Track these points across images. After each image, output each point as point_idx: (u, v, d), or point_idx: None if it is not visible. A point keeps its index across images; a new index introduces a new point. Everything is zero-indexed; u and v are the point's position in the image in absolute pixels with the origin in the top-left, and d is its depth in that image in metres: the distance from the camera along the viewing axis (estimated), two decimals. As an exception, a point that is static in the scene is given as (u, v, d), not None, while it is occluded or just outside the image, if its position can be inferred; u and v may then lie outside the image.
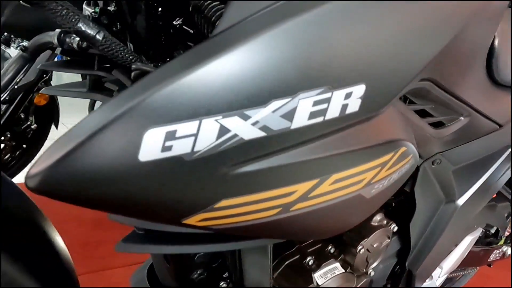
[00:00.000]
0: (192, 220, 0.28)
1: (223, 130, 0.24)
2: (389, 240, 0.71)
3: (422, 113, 0.61)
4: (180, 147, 0.23)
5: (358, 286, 0.71)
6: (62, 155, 0.22)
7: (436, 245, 0.80)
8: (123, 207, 0.25)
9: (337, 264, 0.68)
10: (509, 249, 1.25)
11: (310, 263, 0.65)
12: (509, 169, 0.87)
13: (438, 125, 0.66)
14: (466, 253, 0.95)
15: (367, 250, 0.67)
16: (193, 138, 0.23)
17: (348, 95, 0.28)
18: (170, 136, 0.23)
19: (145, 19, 0.42)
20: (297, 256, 0.67)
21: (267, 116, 0.25)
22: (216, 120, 0.24)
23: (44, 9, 0.35)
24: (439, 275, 0.89)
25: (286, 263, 0.66)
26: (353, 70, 0.28)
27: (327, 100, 0.27)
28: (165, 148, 0.23)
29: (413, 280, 0.82)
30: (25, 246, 0.38)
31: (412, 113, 0.55)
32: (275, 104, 0.25)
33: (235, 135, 0.25)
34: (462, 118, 0.68)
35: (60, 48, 0.48)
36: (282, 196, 0.30)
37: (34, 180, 0.22)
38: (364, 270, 0.70)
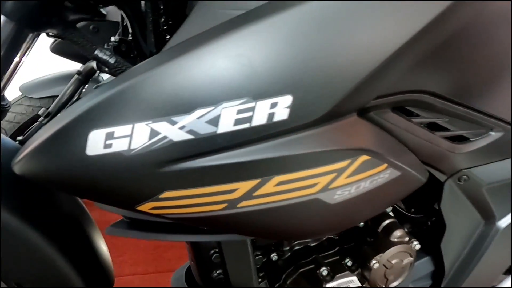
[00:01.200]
0: (145, 207, 0.34)
1: (153, 133, 0.30)
2: (411, 258, 0.69)
3: (439, 127, 0.59)
4: (119, 145, 0.30)
5: (378, 303, 0.70)
6: (37, 145, 0.30)
7: (475, 269, 0.74)
8: (86, 192, 0.33)
9: (354, 278, 0.69)
10: None
11: (324, 273, 0.67)
12: None
13: (463, 139, 0.63)
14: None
15: (384, 265, 0.67)
16: (128, 138, 0.30)
17: (273, 105, 0.32)
18: (110, 136, 0.30)
19: (155, 46, 0.51)
20: (312, 265, 0.69)
21: (192, 121, 0.31)
22: (146, 124, 0.30)
23: (68, 40, 0.45)
24: (488, 305, 0.81)
25: (300, 270, 0.69)
26: (277, 82, 0.32)
27: (252, 109, 0.32)
28: (106, 146, 0.30)
29: (450, 306, 0.77)
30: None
31: (414, 127, 0.55)
32: (199, 112, 0.31)
33: (165, 137, 0.31)
34: (492, 132, 0.65)
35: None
36: (225, 192, 0.35)
37: (18, 166, 0.31)
38: (383, 287, 0.69)
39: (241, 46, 0.31)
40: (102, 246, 0.55)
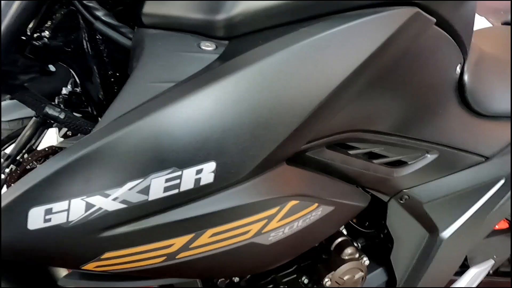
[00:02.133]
0: (89, 266, 0.38)
1: (88, 206, 0.34)
2: (362, 273, 0.74)
3: (377, 154, 0.64)
4: (58, 219, 0.34)
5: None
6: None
7: (424, 278, 0.80)
8: (33, 260, 0.36)
9: (310, 295, 0.73)
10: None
11: (283, 292, 0.71)
12: (508, 201, 0.85)
13: (401, 163, 0.69)
14: (475, 285, 0.92)
15: (336, 282, 0.71)
16: (66, 212, 0.34)
17: (199, 171, 0.36)
18: (48, 212, 0.33)
19: (104, 96, 0.54)
20: (271, 285, 0.73)
21: (124, 193, 0.35)
22: (81, 199, 0.34)
23: (17, 98, 0.48)
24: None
25: (259, 289, 0.73)
26: (201, 152, 0.36)
27: (179, 177, 0.36)
28: (46, 220, 0.33)
29: (404, 313, 0.83)
30: None
31: (351, 159, 0.60)
32: (130, 184, 0.35)
33: (100, 208, 0.34)
34: (428, 155, 0.70)
35: None
36: (162, 248, 0.39)
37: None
38: (339, 302, 0.74)
39: (165, 123, 0.35)
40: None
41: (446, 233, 0.78)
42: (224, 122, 0.36)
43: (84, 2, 0.47)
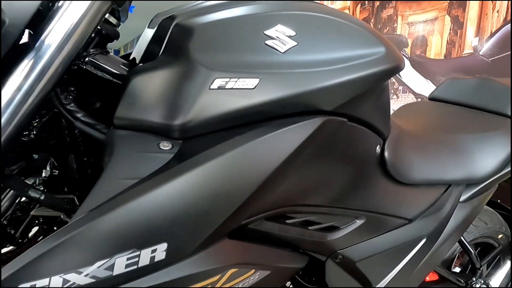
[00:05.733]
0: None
1: (65, 281, 0.44)
2: (306, 326, 0.83)
3: (312, 222, 0.76)
4: (40, 293, 0.43)
5: None
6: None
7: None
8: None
9: None
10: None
11: None
12: (433, 256, 0.98)
13: (334, 228, 0.81)
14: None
15: (283, 335, 0.81)
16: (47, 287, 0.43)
17: (154, 251, 0.47)
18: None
19: (80, 178, 0.65)
20: None
21: (94, 270, 0.45)
22: (59, 276, 0.44)
23: (5, 185, 0.58)
24: None
25: None
26: (155, 236, 0.47)
27: (137, 256, 0.46)
28: (29, 295, 0.43)
29: None
30: None
31: (288, 228, 0.71)
32: (99, 263, 0.45)
33: (74, 283, 0.44)
34: (356, 220, 0.83)
35: None
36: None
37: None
38: None
39: (127, 214, 0.46)
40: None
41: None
42: (174, 212, 0.48)
43: (66, 106, 0.59)
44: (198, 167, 0.50)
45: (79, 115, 0.60)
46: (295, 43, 0.60)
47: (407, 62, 2.92)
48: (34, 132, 0.59)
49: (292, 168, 0.59)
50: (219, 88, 0.55)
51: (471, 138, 1.05)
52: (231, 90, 0.56)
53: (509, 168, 1.04)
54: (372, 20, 3.22)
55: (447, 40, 2.63)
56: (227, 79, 0.56)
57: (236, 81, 0.56)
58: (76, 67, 0.59)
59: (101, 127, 0.61)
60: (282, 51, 0.59)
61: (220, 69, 0.56)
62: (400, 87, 2.85)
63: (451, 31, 2.62)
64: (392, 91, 2.94)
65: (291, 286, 0.88)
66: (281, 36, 0.60)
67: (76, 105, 0.60)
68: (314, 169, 0.66)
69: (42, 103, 0.51)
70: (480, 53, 2.40)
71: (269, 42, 0.60)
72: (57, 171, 0.66)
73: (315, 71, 0.59)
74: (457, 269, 1.28)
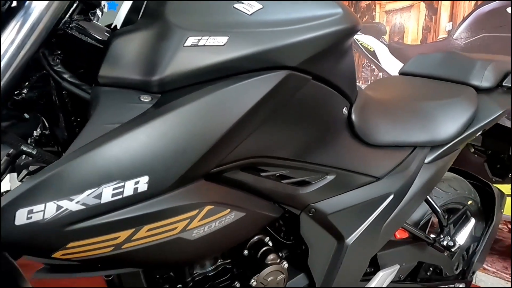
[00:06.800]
0: (57, 254, 0.53)
1: (58, 207, 0.50)
2: (283, 275, 0.91)
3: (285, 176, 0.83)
4: (36, 217, 0.49)
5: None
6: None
7: (336, 279, 0.98)
8: (17, 248, 0.51)
9: (241, 297, 0.89)
10: (462, 285, 1.37)
11: (217, 297, 0.86)
12: (400, 212, 1.06)
13: (306, 182, 0.88)
14: (385, 285, 1.10)
15: (261, 283, 0.88)
16: (42, 212, 0.50)
17: (136, 182, 0.54)
18: (30, 212, 0.49)
19: (68, 138, 0.71)
20: (207, 292, 0.88)
21: (83, 198, 0.51)
22: (53, 203, 0.50)
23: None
24: (356, 308, 1.04)
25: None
26: (137, 169, 0.54)
27: (122, 187, 0.53)
28: (28, 218, 0.49)
29: (324, 311, 0.99)
30: None
31: (263, 179, 0.78)
32: (88, 191, 0.51)
33: (66, 209, 0.51)
34: (327, 176, 0.90)
35: None
36: (111, 239, 0.55)
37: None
38: (264, 302, 0.89)
39: (112, 150, 0.53)
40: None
41: (350, 240, 0.97)
42: (153, 149, 0.55)
43: (54, 68, 0.65)
44: (174, 110, 0.57)
45: (66, 75, 0.66)
46: (261, 6, 0.67)
47: (385, 49, 3.01)
48: (25, 92, 0.65)
49: (259, 117, 0.65)
50: (192, 45, 0.62)
51: (434, 104, 1.13)
52: (203, 47, 0.62)
53: (470, 131, 1.13)
54: (351, 9, 3.32)
55: (423, 26, 2.72)
56: (199, 37, 0.62)
57: (207, 39, 0.63)
58: (62, 31, 0.65)
59: (87, 88, 0.67)
60: (249, 13, 0.66)
61: (192, 29, 0.63)
62: (381, 74, 2.95)
63: (426, 17, 2.71)
64: (373, 78, 3.04)
65: (269, 242, 0.95)
66: (248, 1, 0.67)
67: (63, 67, 0.66)
68: (282, 123, 0.73)
69: (31, 62, 0.58)
70: (454, 37, 2.49)
71: (237, 5, 0.66)
72: (47, 131, 0.72)
73: (278, 30, 0.66)
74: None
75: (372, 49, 3.05)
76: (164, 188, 0.56)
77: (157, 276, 0.86)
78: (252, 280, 0.87)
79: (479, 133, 1.19)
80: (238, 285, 0.90)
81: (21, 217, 0.49)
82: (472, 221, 1.24)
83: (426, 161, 1.10)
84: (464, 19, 2.44)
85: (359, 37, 3.13)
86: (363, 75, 3.20)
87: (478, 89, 1.21)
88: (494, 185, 1.50)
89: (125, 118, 0.57)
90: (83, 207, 0.52)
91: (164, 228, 0.59)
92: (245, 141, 0.67)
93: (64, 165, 0.51)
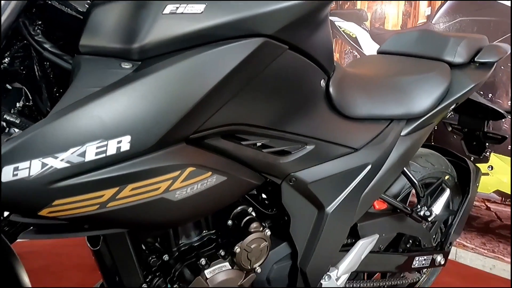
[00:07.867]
0: (43, 212, 0.55)
1: (43, 165, 0.52)
2: (266, 243, 0.94)
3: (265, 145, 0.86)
4: (22, 174, 0.51)
5: (246, 281, 0.93)
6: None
7: (317, 247, 1.01)
8: (9, 206, 0.53)
9: (226, 263, 0.92)
10: (440, 256, 1.42)
11: (203, 263, 0.89)
12: (378, 183, 1.10)
13: (286, 152, 0.91)
14: (363, 256, 1.15)
15: (245, 250, 0.91)
16: (28, 169, 0.51)
17: (119, 142, 0.56)
18: (16, 169, 0.51)
19: (51, 108, 0.72)
20: (194, 259, 0.91)
21: (68, 156, 0.53)
22: (39, 160, 0.52)
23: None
24: (337, 275, 1.08)
25: (185, 263, 0.90)
26: (120, 128, 0.56)
27: (105, 145, 0.55)
28: (14, 175, 0.51)
29: (306, 277, 1.03)
30: None
31: (243, 148, 0.81)
32: (72, 150, 0.53)
33: (51, 166, 0.53)
34: (307, 146, 0.93)
35: None
36: (96, 197, 0.57)
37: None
38: (249, 267, 0.93)
39: (94, 110, 0.55)
40: (24, 279, 0.72)
41: (330, 209, 1.01)
42: (134, 109, 0.57)
43: (35, 38, 0.67)
44: (153, 73, 0.59)
45: (47, 45, 0.67)
46: (237, -24, 0.69)
47: (367, 35, 3.05)
48: (6, 61, 0.67)
49: (237, 83, 0.68)
50: (171, 13, 0.64)
51: (410, 79, 1.17)
52: (181, 15, 0.65)
53: (444, 104, 1.18)
54: (333, -4, 3.34)
55: (403, 12, 2.76)
56: (177, 5, 0.64)
57: (185, 7, 0.65)
58: (42, 1, 0.67)
59: (68, 58, 0.68)
60: (226, -18, 0.68)
61: (171, -3, 0.65)
62: (363, 60, 3.00)
63: (406, 3, 2.76)
64: (355, 64, 3.08)
65: (253, 213, 0.98)
66: (225, -29, 0.69)
67: (44, 37, 0.67)
68: (259, 91, 0.75)
69: (11, 31, 0.59)
70: (433, 22, 2.55)
71: (214, -26, 0.69)
72: (30, 102, 0.74)
73: (254, -2, 0.68)
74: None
75: (354, 36, 3.10)
76: (146, 148, 0.59)
77: (144, 248, 0.88)
78: (236, 247, 0.90)
79: (453, 107, 1.24)
80: (222, 253, 0.93)
81: (7, 174, 0.51)
82: (447, 191, 1.30)
83: (402, 133, 1.14)
84: (442, 4, 2.50)
85: (341, 24, 3.18)
86: (346, 61, 3.26)
87: (452, 65, 1.25)
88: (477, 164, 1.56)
89: (106, 82, 0.59)
90: (67, 164, 0.54)
91: (148, 188, 0.61)
92: (223, 108, 0.70)
93: (49, 124, 0.53)
